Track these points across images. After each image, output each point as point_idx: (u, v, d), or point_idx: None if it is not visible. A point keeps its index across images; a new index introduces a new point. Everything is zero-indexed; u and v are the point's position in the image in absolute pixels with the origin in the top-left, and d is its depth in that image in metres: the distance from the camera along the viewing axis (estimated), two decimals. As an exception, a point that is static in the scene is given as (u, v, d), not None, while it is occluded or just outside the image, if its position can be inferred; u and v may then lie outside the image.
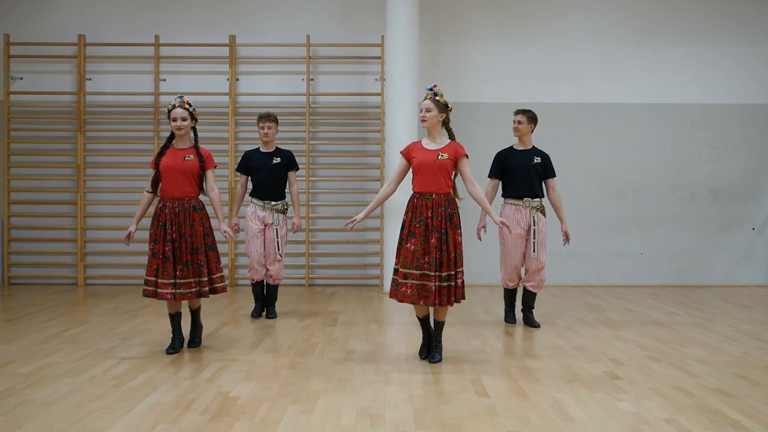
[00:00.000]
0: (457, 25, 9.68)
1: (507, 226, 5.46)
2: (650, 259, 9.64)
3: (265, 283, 7.06)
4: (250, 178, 6.96)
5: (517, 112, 6.63)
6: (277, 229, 6.83)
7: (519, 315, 7.04)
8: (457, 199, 5.26)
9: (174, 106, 5.49)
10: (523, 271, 6.76)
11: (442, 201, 5.13)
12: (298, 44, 9.50)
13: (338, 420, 3.92)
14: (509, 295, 6.88)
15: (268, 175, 6.83)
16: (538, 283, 6.67)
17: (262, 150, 6.95)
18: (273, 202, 6.86)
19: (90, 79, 9.57)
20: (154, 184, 5.51)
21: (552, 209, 6.78)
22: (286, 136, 9.60)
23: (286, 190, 7.03)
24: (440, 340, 5.38)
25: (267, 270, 6.94)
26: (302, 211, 9.62)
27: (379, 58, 9.44)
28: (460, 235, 5.20)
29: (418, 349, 5.52)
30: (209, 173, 5.56)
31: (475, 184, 5.21)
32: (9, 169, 9.52)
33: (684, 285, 9.60)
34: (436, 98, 5.17)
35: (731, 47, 9.67)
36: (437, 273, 5.06)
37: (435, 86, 5.21)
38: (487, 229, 6.80)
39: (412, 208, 5.16)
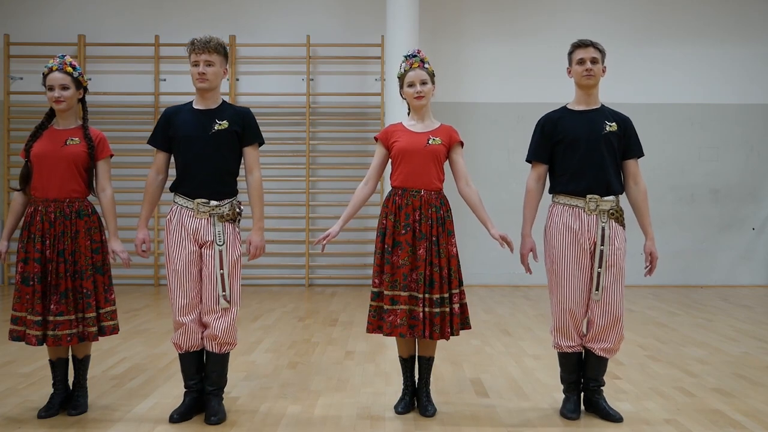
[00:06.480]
0: (457, 24, 9.68)
1: (509, 243, 3.97)
2: (650, 259, 9.63)
3: (205, 352, 3.97)
4: (173, 157, 4.01)
5: (586, 45, 3.97)
6: (221, 251, 3.86)
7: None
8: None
9: (51, 69, 3.90)
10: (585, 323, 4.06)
11: (433, 200, 3.95)
12: (298, 44, 9.51)
13: (338, 420, 3.92)
14: (568, 364, 4.07)
15: (204, 151, 3.86)
16: (613, 344, 3.97)
17: (195, 106, 3.95)
18: (213, 203, 3.86)
19: (90, 79, 9.50)
20: (25, 179, 3.96)
21: (624, 213, 4.08)
22: (287, 136, 9.62)
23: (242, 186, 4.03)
24: (429, 383, 4.13)
25: (206, 327, 3.90)
26: (301, 211, 9.62)
27: (379, 58, 9.45)
28: (455, 246, 4.00)
29: (395, 403, 4.14)
30: (101, 166, 3.97)
31: (470, 183, 4.05)
32: (9, 169, 9.52)
33: (684, 285, 9.60)
34: (425, 66, 4.02)
35: (731, 47, 9.67)
36: (427, 295, 3.88)
37: (419, 51, 4.05)
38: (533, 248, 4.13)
39: (394, 209, 3.96)
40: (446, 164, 4.10)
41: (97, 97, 9.52)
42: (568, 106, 4.11)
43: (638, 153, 4.06)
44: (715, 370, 5.05)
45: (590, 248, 3.92)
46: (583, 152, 3.92)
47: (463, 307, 4.00)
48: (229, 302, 3.86)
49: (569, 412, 3.99)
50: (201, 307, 3.88)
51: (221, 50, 3.87)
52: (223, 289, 3.84)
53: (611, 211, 3.94)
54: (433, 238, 3.92)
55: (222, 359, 3.94)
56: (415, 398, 4.12)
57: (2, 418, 3.91)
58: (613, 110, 4.07)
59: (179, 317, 3.87)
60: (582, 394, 4.10)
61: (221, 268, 3.84)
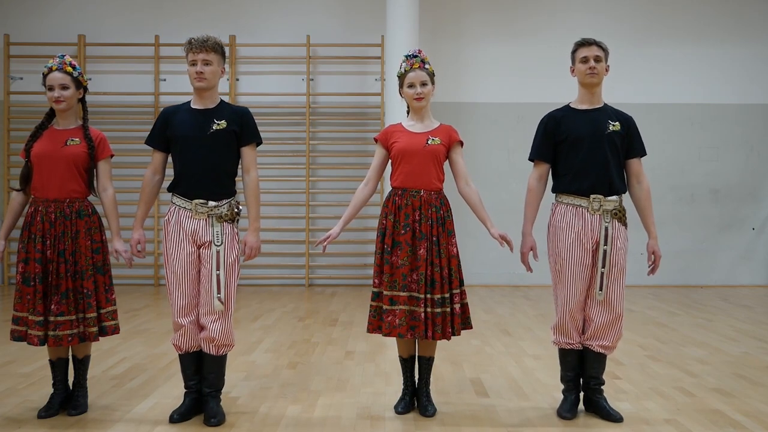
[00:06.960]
0: (457, 24, 9.69)
1: (508, 242, 3.95)
2: (650, 259, 9.64)
3: (203, 354, 3.92)
4: (171, 157, 3.96)
5: (589, 43, 3.95)
6: (218, 251, 3.81)
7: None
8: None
9: (51, 69, 3.90)
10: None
11: (433, 200, 3.95)
12: (298, 44, 9.51)
13: (338, 420, 3.92)
14: (567, 361, 4.07)
15: (201, 151, 3.81)
16: (611, 342, 3.98)
17: (193, 106, 3.90)
18: (211, 203, 3.81)
19: (90, 79, 9.51)
20: (25, 179, 4.00)
21: (627, 213, 4.06)
22: (287, 136, 9.62)
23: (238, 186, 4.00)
24: (429, 383, 4.12)
25: (203, 329, 3.85)
26: (301, 211, 9.62)
27: (379, 58, 9.45)
28: (456, 246, 4.00)
29: (395, 403, 4.14)
30: (102, 166, 3.98)
31: (470, 182, 4.05)
32: (9, 169, 9.52)
33: (684, 285, 9.60)
34: (426, 66, 4.02)
35: (731, 47, 9.67)
36: (428, 295, 3.88)
37: (420, 51, 4.05)
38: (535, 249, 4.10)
39: (394, 209, 3.96)
40: (446, 164, 4.10)
41: (97, 97, 9.52)
42: (572, 105, 4.08)
43: (641, 152, 4.04)
44: (715, 370, 5.05)
45: (593, 248, 3.92)
46: (587, 151, 3.90)
47: (464, 306, 4.00)
48: (223, 303, 3.77)
49: (564, 411, 3.99)
50: (199, 309, 3.84)
51: (219, 49, 3.81)
52: (218, 291, 3.76)
53: (614, 211, 3.93)
54: (434, 238, 3.92)
55: (219, 361, 3.90)
56: (415, 398, 4.12)
57: (2, 418, 3.91)
58: (616, 109, 4.04)
59: (178, 318, 3.84)
60: (582, 393, 4.10)
61: (218, 268, 3.78)
